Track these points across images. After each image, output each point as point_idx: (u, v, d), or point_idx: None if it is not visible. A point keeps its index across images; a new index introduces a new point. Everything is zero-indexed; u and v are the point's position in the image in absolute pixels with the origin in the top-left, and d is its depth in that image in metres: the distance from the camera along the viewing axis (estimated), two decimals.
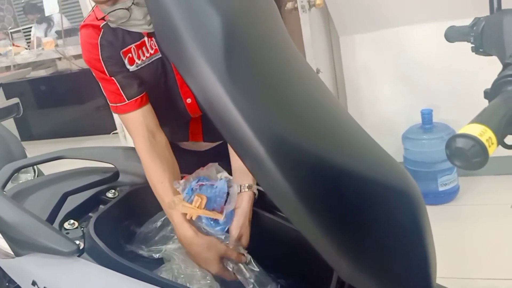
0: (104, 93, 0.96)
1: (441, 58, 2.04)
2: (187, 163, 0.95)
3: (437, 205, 2.06)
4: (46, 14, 4.58)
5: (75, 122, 4.30)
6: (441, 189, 2.05)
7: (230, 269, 0.85)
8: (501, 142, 0.39)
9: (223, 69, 0.51)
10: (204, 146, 1.17)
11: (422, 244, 0.63)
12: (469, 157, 0.38)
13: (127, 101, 0.91)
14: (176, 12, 0.52)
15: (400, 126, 2.18)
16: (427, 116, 2.05)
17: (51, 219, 0.83)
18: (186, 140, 1.15)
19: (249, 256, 0.86)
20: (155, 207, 0.94)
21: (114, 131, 3.08)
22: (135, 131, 0.92)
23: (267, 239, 0.91)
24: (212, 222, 0.84)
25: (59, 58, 4.41)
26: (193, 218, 0.81)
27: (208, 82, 0.51)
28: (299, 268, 0.84)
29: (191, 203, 0.80)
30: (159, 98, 0.97)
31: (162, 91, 0.98)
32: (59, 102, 4.41)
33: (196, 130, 1.13)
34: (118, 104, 0.93)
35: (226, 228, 0.85)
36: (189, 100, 1.01)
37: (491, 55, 0.70)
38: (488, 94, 0.47)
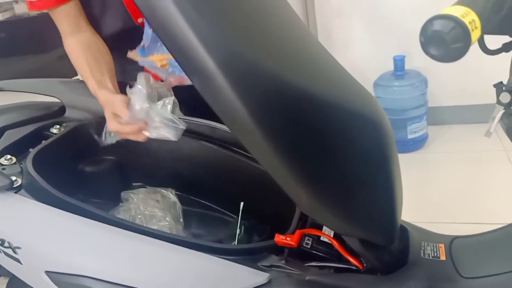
0: None
1: (417, 2, 1.97)
2: None
3: (406, 152, 2.06)
4: None
5: (37, 70, 4.08)
6: (410, 136, 2.05)
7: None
8: (485, 29, 0.33)
9: None
10: None
11: (387, 174, 0.59)
12: (448, 42, 0.32)
13: None
14: None
15: (372, 73, 2.13)
16: (399, 62, 2.01)
17: None
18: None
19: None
20: (106, 146, 0.87)
21: (76, 77, 2.93)
22: (59, 27, 0.83)
23: (225, 178, 0.86)
24: None
25: (16, 1, 4.14)
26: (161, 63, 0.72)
27: None
28: (260, 208, 0.79)
29: None
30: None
31: None
32: (18, 49, 4.15)
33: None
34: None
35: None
36: None
37: None
38: None
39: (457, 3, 0.34)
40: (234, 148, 0.86)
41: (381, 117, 0.60)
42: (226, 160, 0.85)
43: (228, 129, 0.56)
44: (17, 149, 0.78)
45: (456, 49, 0.32)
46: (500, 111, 0.57)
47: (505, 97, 0.55)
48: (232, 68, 0.45)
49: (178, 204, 0.86)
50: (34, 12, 3.97)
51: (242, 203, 0.77)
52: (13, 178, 0.70)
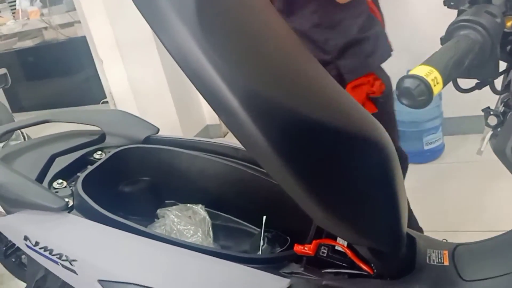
0: None
1: (430, 22, 2.03)
2: None
3: (423, 163, 2.11)
4: None
5: (64, 93, 4.28)
6: (426, 148, 2.10)
7: None
8: (446, 83, 0.42)
9: (196, 25, 0.53)
10: None
11: (391, 190, 0.67)
12: (414, 96, 0.41)
13: None
14: None
15: None
16: None
17: (40, 179, 0.86)
18: None
19: None
20: (141, 168, 0.98)
21: (103, 100, 3.07)
22: None
23: (249, 194, 0.94)
24: None
25: (45, 28, 4.35)
26: None
27: (181, 37, 0.52)
28: (281, 221, 0.87)
29: None
30: None
31: None
32: (47, 72, 4.36)
33: None
34: None
35: None
36: None
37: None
38: (442, 40, 0.49)
39: (424, 63, 0.43)
40: (255, 167, 0.94)
41: (383, 139, 0.68)
42: (249, 179, 0.94)
43: None
44: (67, 174, 0.89)
45: (421, 100, 0.41)
46: (489, 132, 0.65)
47: (492, 120, 0.63)
48: (252, 106, 0.53)
49: (208, 219, 0.95)
50: (62, 37, 4.17)
51: (264, 217, 0.86)
52: (66, 200, 0.80)
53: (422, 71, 0.42)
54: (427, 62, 0.43)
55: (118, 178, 0.96)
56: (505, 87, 0.53)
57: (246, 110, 0.52)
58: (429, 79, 0.41)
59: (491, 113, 0.62)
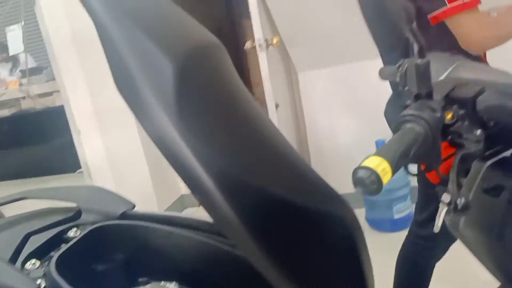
0: None
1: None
2: None
3: (394, 231, 2.16)
4: (11, 53, 4.58)
5: (39, 162, 4.25)
6: (396, 216, 2.16)
7: None
8: (395, 171, 0.48)
9: (175, 110, 0.57)
10: None
11: (359, 265, 0.70)
12: (367, 184, 0.46)
13: None
14: (131, 60, 0.58)
15: (358, 156, 2.27)
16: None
17: (13, 258, 0.86)
18: None
19: None
20: (116, 245, 0.98)
21: (79, 170, 3.06)
22: None
23: (223, 271, 0.96)
24: None
25: (23, 97, 4.39)
26: None
27: (161, 122, 0.56)
28: None
29: None
30: None
31: None
32: (23, 141, 4.35)
33: None
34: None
35: None
36: None
37: None
38: (393, 130, 0.56)
39: (375, 154, 0.49)
40: (228, 242, 0.96)
41: (347, 214, 0.72)
42: (223, 254, 0.96)
43: None
44: (41, 253, 0.89)
45: (373, 189, 0.46)
46: (444, 209, 0.71)
47: (446, 198, 0.69)
48: (226, 186, 0.57)
49: None
50: (40, 106, 4.22)
51: None
52: (38, 281, 0.80)
53: (373, 162, 0.47)
54: (378, 153, 0.49)
55: (93, 256, 0.96)
56: (458, 172, 0.59)
57: (220, 190, 0.56)
58: (378, 170, 0.46)
59: (445, 190, 0.67)
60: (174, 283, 0.97)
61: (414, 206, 2.24)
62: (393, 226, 2.15)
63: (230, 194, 0.57)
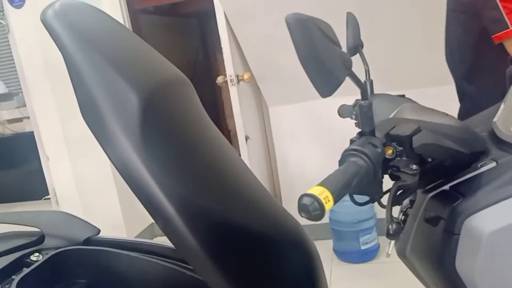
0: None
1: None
2: None
3: (361, 263, 2.20)
4: None
5: (5, 188, 4.14)
6: (363, 247, 2.21)
7: None
8: (337, 200, 0.53)
9: (138, 140, 0.60)
10: None
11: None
12: (310, 211, 0.51)
13: None
14: (97, 90, 0.60)
15: None
16: None
17: None
18: None
19: None
20: (78, 270, 0.99)
21: (46, 197, 3.02)
22: None
23: None
24: None
25: None
26: None
27: (125, 151, 0.59)
28: None
29: None
30: None
31: None
32: None
33: None
34: None
35: None
36: None
37: None
38: (339, 163, 0.62)
39: (319, 184, 0.54)
40: (190, 267, 0.98)
41: (305, 241, 0.76)
42: (188, 280, 0.98)
43: None
44: (2, 276, 0.89)
45: (316, 214, 0.51)
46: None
47: (392, 227, 0.74)
48: (186, 212, 0.60)
49: None
50: (8, 132, 4.15)
51: None
52: None
53: (317, 190, 0.52)
54: (322, 183, 0.54)
55: (55, 280, 0.96)
56: (392, 201, 0.65)
57: (181, 217, 0.59)
58: (321, 198, 0.51)
59: (393, 220, 0.73)
60: None
61: (380, 238, 2.32)
62: (360, 257, 2.19)
63: (191, 221, 0.60)
